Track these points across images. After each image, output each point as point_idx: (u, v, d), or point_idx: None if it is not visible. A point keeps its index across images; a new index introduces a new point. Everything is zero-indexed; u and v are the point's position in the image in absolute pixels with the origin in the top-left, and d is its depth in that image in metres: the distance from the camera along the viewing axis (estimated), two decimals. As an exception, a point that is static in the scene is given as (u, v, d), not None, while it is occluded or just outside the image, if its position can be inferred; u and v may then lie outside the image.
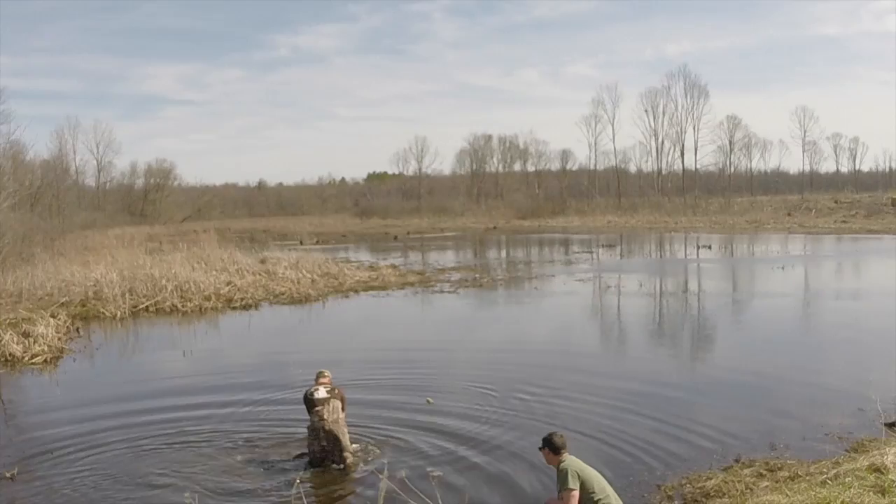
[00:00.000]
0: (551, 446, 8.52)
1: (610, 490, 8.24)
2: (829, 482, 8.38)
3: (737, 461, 10.75)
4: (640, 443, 11.85)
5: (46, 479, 11.22)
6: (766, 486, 9.30)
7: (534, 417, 13.53)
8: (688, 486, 9.92)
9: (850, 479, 8.31)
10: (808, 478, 9.26)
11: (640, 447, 11.67)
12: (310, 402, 11.53)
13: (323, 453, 11.31)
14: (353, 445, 11.68)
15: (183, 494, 10.14)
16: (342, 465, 11.22)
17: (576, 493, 8.05)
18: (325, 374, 12.07)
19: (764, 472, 10.00)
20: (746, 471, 10.15)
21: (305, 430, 11.61)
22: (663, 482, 10.21)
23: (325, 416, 11.27)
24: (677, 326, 24.56)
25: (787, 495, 8.14)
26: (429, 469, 10.95)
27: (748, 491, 9.29)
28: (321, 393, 11.51)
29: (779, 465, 10.22)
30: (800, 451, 11.12)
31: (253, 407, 15.06)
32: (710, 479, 9.95)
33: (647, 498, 9.76)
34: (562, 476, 8.17)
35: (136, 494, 10.59)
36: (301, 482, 9.99)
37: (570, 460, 8.35)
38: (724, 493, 9.35)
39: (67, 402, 15.76)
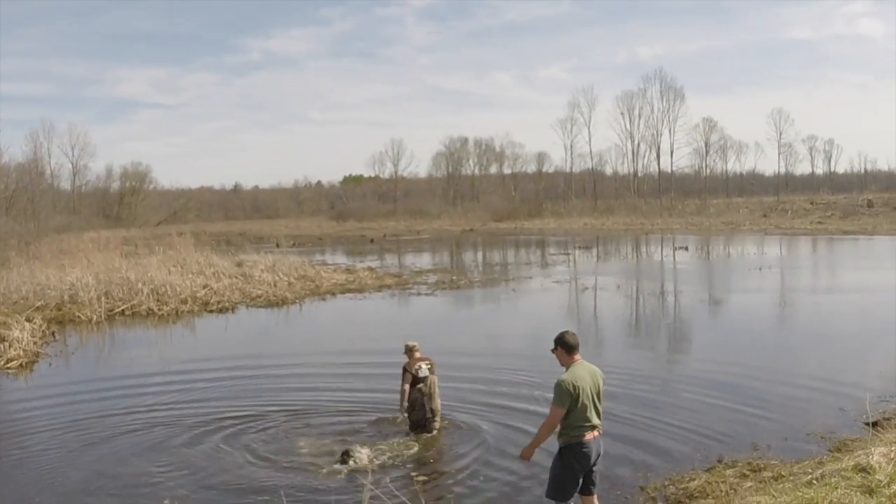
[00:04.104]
0: (564, 345, 8.14)
1: (595, 419, 7.93)
2: (815, 482, 8.34)
3: (720, 461, 10.69)
4: (621, 444, 11.76)
5: (23, 485, 11.06)
6: (751, 487, 9.27)
7: (508, 417, 13.55)
8: (671, 487, 9.87)
9: (836, 479, 8.25)
10: (791, 478, 9.23)
11: (621, 448, 11.59)
12: (414, 379, 12.86)
13: (422, 422, 12.73)
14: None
15: (163, 495, 10.14)
16: (433, 432, 12.70)
17: (559, 413, 7.82)
18: (417, 347, 13.33)
19: (747, 473, 9.95)
20: (729, 471, 10.10)
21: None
22: (646, 484, 10.14)
23: (425, 392, 12.74)
24: (655, 327, 24.62)
25: (773, 496, 8.09)
26: (413, 474, 10.92)
27: (732, 492, 9.24)
28: (424, 371, 12.88)
29: (762, 466, 10.17)
30: (782, 451, 11.09)
31: (233, 405, 15.06)
32: (694, 479, 9.90)
33: (631, 500, 9.71)
34: (555, 390, 7.88)
35: (116, 497, 10.48)
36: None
37: (573, 372, 7.97)
38: (708, 494, 9.30)
39: (43, 407, 15.52)
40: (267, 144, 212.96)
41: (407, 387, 12.90)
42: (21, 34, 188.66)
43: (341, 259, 52.93)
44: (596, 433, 7.95)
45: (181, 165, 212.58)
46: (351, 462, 11.26)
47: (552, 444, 8.22)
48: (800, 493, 7.80)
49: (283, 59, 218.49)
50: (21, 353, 20.20)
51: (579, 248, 58.29)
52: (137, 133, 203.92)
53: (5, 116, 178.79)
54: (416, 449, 12.10)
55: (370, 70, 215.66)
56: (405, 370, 13.05)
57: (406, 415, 12.97)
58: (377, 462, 11.38)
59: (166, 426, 13.78)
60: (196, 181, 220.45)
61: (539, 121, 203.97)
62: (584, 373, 8.02)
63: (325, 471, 11.12)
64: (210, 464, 11.68)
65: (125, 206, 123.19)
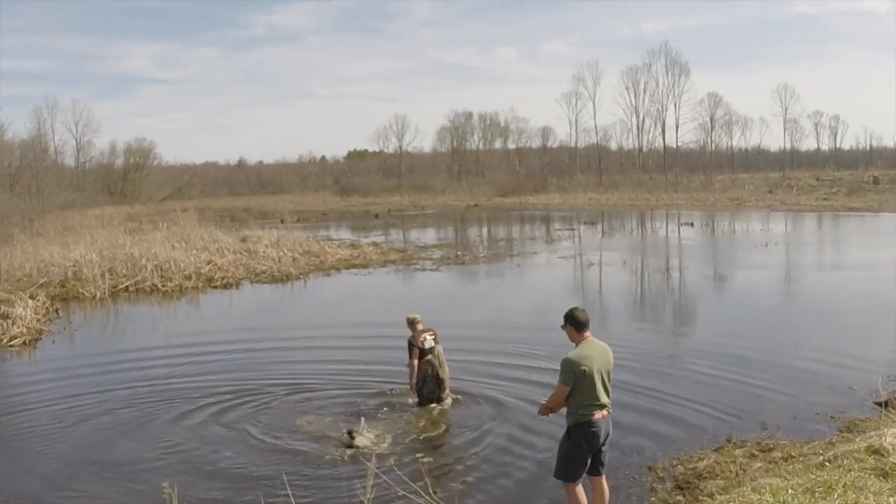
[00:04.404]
0: (573, 322, 7.93)
1: (604, 398, 7.81)
2: (828, 464, 8.21)
3: (728, 441, 10.58)
4: (629, 422, 11.62)
5: (26, 462, 11.03)
6: (760, 468, 9.16)
7: (518, 390, 13.43)
8: (679, 466, 9.77)
9: (848, 461, 8.11)
10: (802, 459, 9.12)
11: (629, 427, 11.45)
12: (421, 352, 12.82)
13: (433, 395, 12.86)
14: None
15: (163, 471, 10.10)
16: (442, 405, 12.84)
17: (564, 391, 7.74)
18: (419, 318, 13.26)
19: (756, 453, 9.85)
20: (738, 451, 9.99)
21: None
22: (654, 463, 10.05)
23: (435, 363, 12.85)
24: (661, 302, 24.52)
25: (785, 478, 7.95)
26: (418, 455, 10.79)
27: (742, 472, 9.12)
28: (429, 342, 12.93)
29: (771, 446, 10.06)
30: (791, 430, 10.98)
31: (236, 379, 15.11)
32: (702, 459, 9.79)
33: (639, 479, 9.61)
34: (561, 368, 7.78)
35: (116, 476, 10.39)
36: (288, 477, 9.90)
37: (582, 350, 7.83)
38: (718, 475, 9.18)
39: (45, 381, 15.57)
40: (271, 119, 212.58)
41: (416, 362, 12.79)
42: (19, 10, 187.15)
43: (346, 234, 52.86)
44: (605, 412, 7.83)
45: (185, 141, 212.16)
46: (356, 443, 11.02)
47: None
48: (812, 476, 7.65)
49: (286, 33, 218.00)
50: (24, 330, 20.13)
51: (584, 223, 58.15)
52: (141, 109, 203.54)
53: (7, 93, 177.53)
54: (423, 426, 12.01)
55: (373, 45, 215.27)
56: (411, 344, 12.92)
57: (416, 390, 12.88)
58: (384, 443, 11.23)
59: (167, 402, 13.75)
60: (200, 157, 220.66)
61: (544, 95, 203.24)
62: (593, 351, 7.87)
63: (328, 453, 10.94)
64: (209, 445, 11.53)
65: (129, 182, 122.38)
